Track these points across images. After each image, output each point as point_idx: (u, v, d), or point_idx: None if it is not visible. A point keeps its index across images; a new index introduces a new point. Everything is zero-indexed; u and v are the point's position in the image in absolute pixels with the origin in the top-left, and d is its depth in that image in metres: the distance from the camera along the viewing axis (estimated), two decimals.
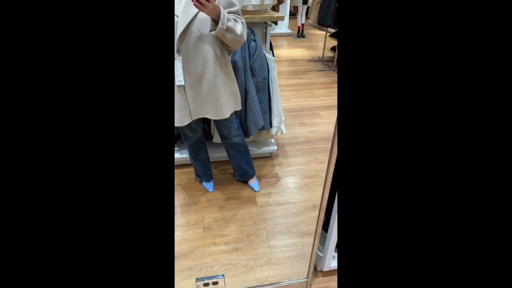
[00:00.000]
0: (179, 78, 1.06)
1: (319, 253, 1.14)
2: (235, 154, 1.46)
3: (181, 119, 1.16)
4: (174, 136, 1.71)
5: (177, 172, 1.71)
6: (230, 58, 1.38)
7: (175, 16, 1.00)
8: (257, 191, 1.55)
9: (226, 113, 1.21)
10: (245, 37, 1.07)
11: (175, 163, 1.76)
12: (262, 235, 1.30)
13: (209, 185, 1.56)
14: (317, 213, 0.93)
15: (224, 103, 1.19)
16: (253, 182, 1.58)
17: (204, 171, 1.53)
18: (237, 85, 1.27)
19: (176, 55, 1.04)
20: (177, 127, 1.34)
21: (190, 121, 1.18)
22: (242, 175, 1.56)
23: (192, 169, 1.68)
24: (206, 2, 0.89)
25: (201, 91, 1.12)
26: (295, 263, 1.18)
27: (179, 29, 1.00)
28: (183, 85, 1.09)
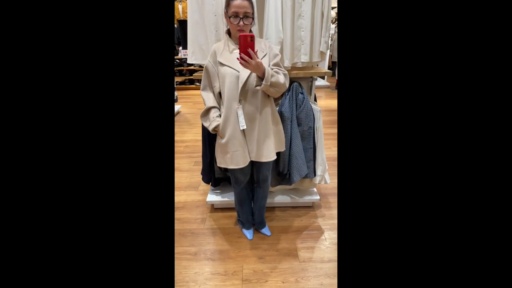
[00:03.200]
0: (242, 123, 1.17)
1: None
2: (263, 197, 1.49)
3: (242, 159, 1.23)
4: (217, 179, 1.76)
5: (218, 215, 1.71)
6: (278, 108, 1.46)
7: (236, 71, 1.14)
8: (269, 235, 1.52)
9: (274, 155, 1.26)
10: (286, 86, 1.18)
11: (217, 206, 1.77)
12: None
13: (249, 233, 1.52)
14: None
15: (273, 144, 1.25)
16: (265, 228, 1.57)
17: (247, 217, 1.51)
18: (282, 128, 1.35)
19: (238, 104, 1.16)
20: (228, 172, 1.39)
21: (248, 162, 1.24)
22: (260, 223, 1.55)
23: (232, 213, 1.67)
24: (250, 59, 1.01)
25: (255, 134, 1.20)
26: None
27: (240, 83, 1.13)
28: (243, 130, 1.19)
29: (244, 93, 1.15)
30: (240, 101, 1.16)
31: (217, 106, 1.25)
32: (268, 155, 1.24)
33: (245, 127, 1.17)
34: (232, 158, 1.22)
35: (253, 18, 1.14)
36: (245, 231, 1.53)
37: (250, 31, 1.16)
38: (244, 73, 1.12)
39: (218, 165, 1.31)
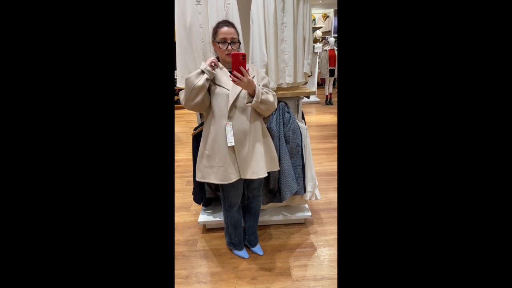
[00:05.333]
0: (230, 140, 1.19)
1: None
2: (255, 214, 1.51)
3: (229, 176, 1.23)
4: (209, 199, 1.76)
5: (210, 236, 1.69)
6: (266, 125, 1.51)
7: (226, 89, 1.18)
8: (261, 254, 1.52)
9: (265, 172, 1.27)
10: (275, 106, 1.25)
11: (209, 227, 1.76)
12: None
13: (243, 253, 1.51)
14: None
15: (264, 161, 1.27)
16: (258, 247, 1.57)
17: (240, 238, 1.50)
18: (273, 145, 1.37)
19: (227, 121, 1.19)
20: (219, 192, 1.40)
21: (237, 178, 1.25)
22: (254, 239, 1.55)
23: (223, 234, 1.66)
24: (242, 76, 1.07)
25: (245, 152, 1.23)
26: None
27: (230, 100, 1.17)
28: (233, 146, 1.20)
29: (233, 110, 1.19)
30: (229, 118, 1.19)
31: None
32: (258, 172, 1.25)
33: (233, 143, 1.19)
34: (217, 173, 1.23)
35: (239, 43, 1.22)
36: (238, 252, 1.51)
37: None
38: (234, 91, 1.18)
39: (197, 179, 1.30)
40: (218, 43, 1.18)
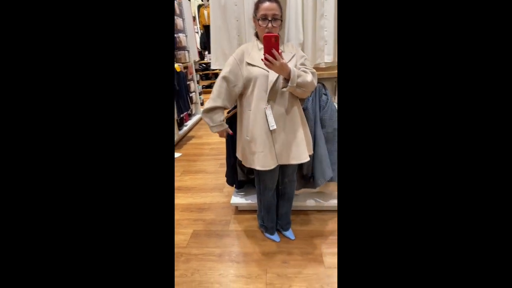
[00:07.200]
0: (271, 123, 1.15)
1: None
2: (289, 199, 1.48)
3: (268, 161, 1.20)
4: (241, 182, 1.78)
5: (242, 217, 1.72)
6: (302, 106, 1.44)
7: (265, 71, 1.12)
8: (293, 239, 1.51)
9: (307, 156, 1.22)
10: (315, 84, 1.16)
11: (241, 208, 1.79)
12: None
13: (275, 237, 1.52)
14: None
15: (304, 145, 1.22)
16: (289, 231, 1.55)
17: (273, 223, 1.51)
18: (308, 130, 1.31)
19: (266, 105, 1.15)
20: (251, 175, 1.40)
21: (275, 165, 1.22)
22: (287, 223, 1.53)
23: (255, 216, 1.68)
24: (274, 60, 1.00)
25: (283, 136, 1.19)
26: None
27: (269, 84, 1.12)
28: (272, 130, 1.17)
29: (273, 94, 1.14)
30: (268, 101, 1.14)
31: (225, 106, 1.21)
32: (299, 157, 1.20)
33: (275, 127, 1.15)
34: (258, 159, 1.19)
35: (281, 21, 1.13)
36: (269, 235, 1.52)
37: (278, 33, 1.16)
38: (272, 76, 1.11)
39: (243, 163, 1.29)
40: (259, 20, 1.10)
